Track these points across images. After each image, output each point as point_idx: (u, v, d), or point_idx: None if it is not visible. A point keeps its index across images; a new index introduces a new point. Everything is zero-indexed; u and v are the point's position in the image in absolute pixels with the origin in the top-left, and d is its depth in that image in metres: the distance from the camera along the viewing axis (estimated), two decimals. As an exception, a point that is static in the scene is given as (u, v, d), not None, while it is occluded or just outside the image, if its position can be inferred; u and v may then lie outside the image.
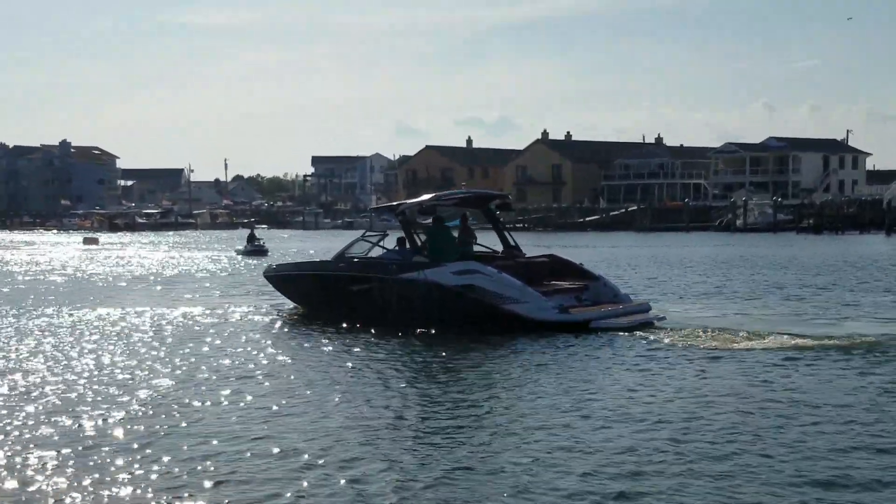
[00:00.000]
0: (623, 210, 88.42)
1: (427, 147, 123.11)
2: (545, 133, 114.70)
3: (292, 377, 11.92)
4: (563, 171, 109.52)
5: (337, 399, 10.54)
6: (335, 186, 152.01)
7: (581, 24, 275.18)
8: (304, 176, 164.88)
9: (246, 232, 53.58)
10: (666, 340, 14.06)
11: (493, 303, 15.55)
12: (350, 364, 12.83)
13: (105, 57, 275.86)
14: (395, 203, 20.19)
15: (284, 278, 19.70)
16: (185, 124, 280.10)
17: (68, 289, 26.10)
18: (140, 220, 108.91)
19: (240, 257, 43.15)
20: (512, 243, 18.45)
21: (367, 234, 19.46)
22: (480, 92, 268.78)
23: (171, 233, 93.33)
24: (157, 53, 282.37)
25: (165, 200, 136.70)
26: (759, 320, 16.49)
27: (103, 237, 78.23)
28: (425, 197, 18.53)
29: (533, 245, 55.65)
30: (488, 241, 18.91)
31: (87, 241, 68.94)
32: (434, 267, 16.26)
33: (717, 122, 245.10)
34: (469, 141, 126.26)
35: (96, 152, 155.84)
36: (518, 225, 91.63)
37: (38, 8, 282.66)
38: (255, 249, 45.21)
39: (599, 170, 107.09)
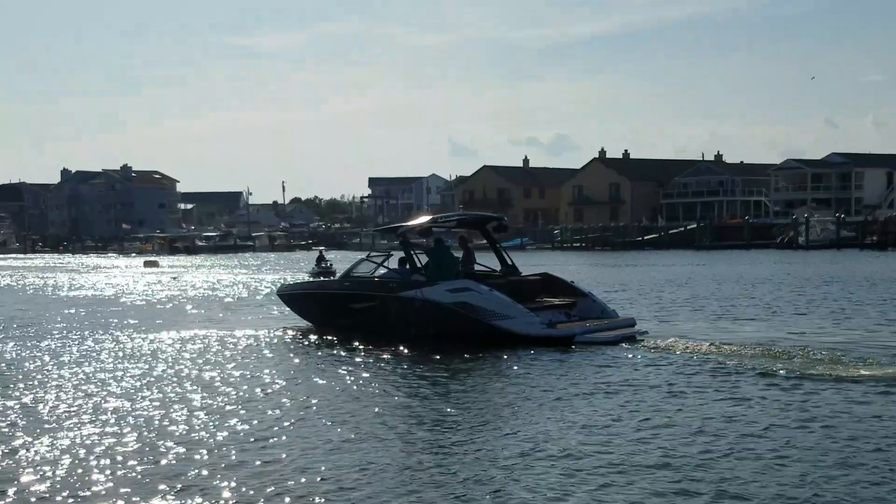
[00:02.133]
0: (682, 228, 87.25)
1: (484, 167, 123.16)
2: (602, 152, 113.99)
3: (278, 397, 11.97)
4: (622, 190, 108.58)
5: (352, 414, 10.74)
6: (392, 207, 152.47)
7: (637, 41, 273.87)
8: (362, 197, 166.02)
9: (311, 253, 53.82)
10: (644, 352, 14.82)
11: (485, 319, 16.45)
12: (360, 379, 13.28)
13: (163, 81, 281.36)
14: (395, 225, 21.68)
15: (295, 297, 20.98)
16: (244, 147, 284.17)
17: (142, 312, 26.23)
18: (199, 244, 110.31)
19: (311, 279, 43.35)
20: (509, 262, 19.36)
21: (372, 254, 20.59)
22: (536, 111, 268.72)
23: (230, 255, 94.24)
24: (214, 77, 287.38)
25: (224, 224, 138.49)
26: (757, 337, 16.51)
27: (164, 260, 79.24)
28: (424, 219, 19.86)
29: (590, 265, 55.60)
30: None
31: (147, 264, 69.85)
32: (430, 285, 17.24)
33: (777, 139, 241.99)
34: (526, 161, 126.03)
35: (157, 176, 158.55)
36: (576, 244, 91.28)
37: (98, 34, 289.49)
38: (323, 271, 45.58)
39: (658, 188, 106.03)
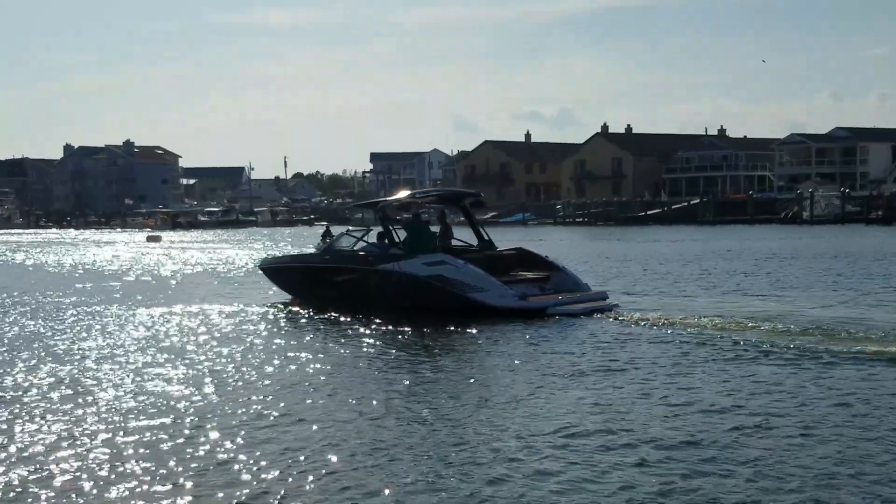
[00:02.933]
0: (685, 203, 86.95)
1: (486, 142, 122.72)
2: (605, 126, 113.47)
3: (258, 374, 11.85)
4: (624, 165, 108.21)
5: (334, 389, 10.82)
6: (394, 183, 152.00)
7: (640, 16, 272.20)
8: (363, 173, 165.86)
9: (314, 229, 53.48)
10: (614, 324, 15.35)
11: (460, 291, 16.88)
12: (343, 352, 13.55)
13: (166, 58, 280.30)
14: (374, 200, 22.25)
15: (277, 270, 21.35)
16: (246, 123, 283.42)
17: (144, 287, 26.20)
18: (202, 219, 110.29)
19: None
20: (486, 238, 19.76)
21: (351, 229, 21.01)
22: (539, 87, 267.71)
23: (233, 230, 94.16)
24: (216, 54, 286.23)
25: (226, 199, 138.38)
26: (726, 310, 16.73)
27: (166, 235, 79.26)
28: (402, 195, 20.52)
29: (588, 240, 55.46)
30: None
31: (150, 238, 69.98)
32: (408, 259, 17.72)
33: (781, 113, 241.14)
34: (528, 136, 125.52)
35: (159, 152, 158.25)
36: (578, 220, 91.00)
37: (99, 12, 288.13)
38: None
39: (661, 163, 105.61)
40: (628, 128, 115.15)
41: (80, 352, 13.68)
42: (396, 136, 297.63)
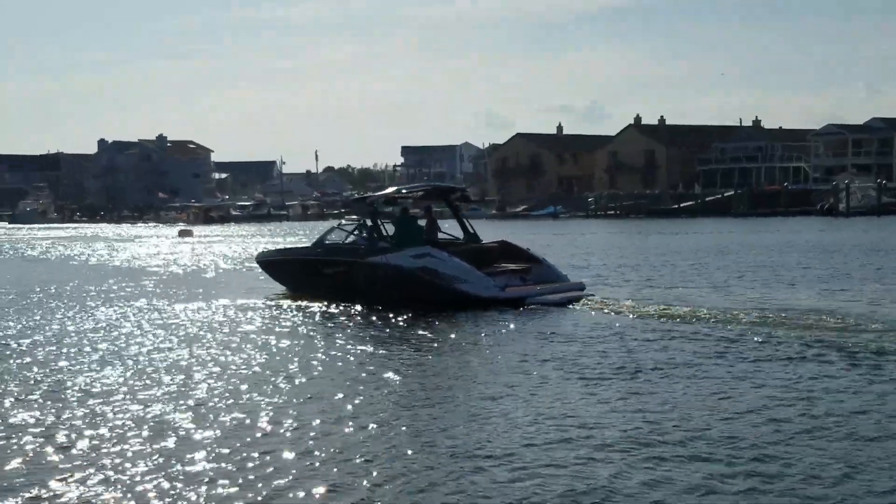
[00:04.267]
0: (719, 195, 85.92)
1: (517, 134, 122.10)
2: (637, 118, 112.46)
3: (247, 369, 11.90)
4: (657, 157, 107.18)
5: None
6: (425, 176, 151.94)
7: (672, 5, 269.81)
8: (394, 166, 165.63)
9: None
10: (589, 312, 16.31)
11: (444, 283, 17.64)
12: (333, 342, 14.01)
13: (196, 52, 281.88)
14: (364, 195, 23.83)
15: (271, 263, 22.10)
16: (277, 117, 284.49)
17: (174, 282, 26.13)
18: (234, 213, 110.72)
19: None
20: (471, 231, 20.69)
21: (343, 223, 22.31)
22: (569, 79, 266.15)
23: (264, 225, 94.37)
24: (246, 48, 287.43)
25: (258, 193, 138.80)
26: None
27: (198, 229, 79.53)
28: (389, 190, 22.04)
29: (620, 232, 54.91)
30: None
31: (182, 233, 70.24)
32: (395, 251, 18.53)
33: (817, 104, 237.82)
34: (559, 128, 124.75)
35: (191, 146, 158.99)
36: (610, 212, 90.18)
37: (131, 7, 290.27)
38: None
39: (694, 154, 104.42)
40: (661, 119, 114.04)
41: (119, 347, 13.66)
42: (427, 129, 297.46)
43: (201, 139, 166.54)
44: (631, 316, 15.64)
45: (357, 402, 9.71)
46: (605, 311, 16.34)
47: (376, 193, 22.04)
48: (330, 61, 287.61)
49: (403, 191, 21.87)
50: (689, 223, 65.91)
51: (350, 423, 8.79)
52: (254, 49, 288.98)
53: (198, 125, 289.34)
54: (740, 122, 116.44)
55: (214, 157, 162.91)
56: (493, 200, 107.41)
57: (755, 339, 13.02)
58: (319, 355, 12.72)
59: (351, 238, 20.12)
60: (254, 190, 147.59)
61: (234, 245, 50.06)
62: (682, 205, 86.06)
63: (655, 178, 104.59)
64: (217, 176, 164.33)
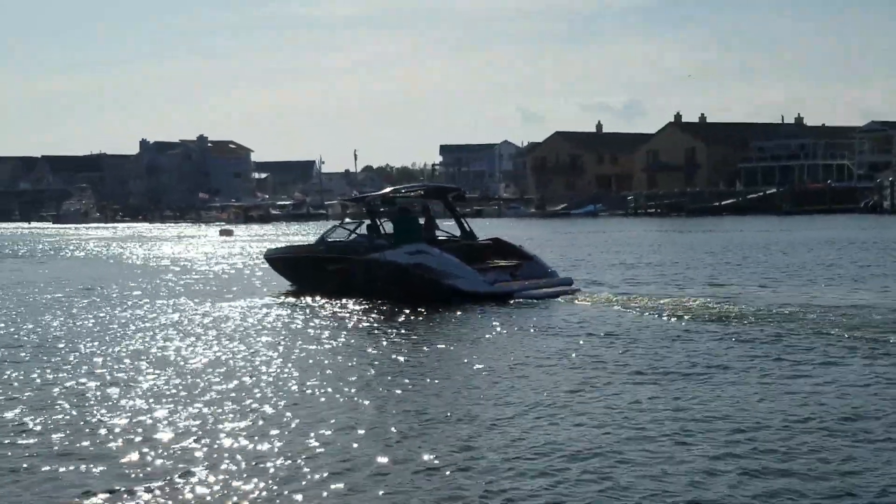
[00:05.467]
0: (761, 193, 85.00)
1: (556, 133, 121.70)
2: (678, 115, 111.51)
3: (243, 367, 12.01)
4: (698, 155, 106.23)
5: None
6: (463, 175, 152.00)
7: (712, 2, 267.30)
8: (433, 165, 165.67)
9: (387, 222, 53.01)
10: (576, 306, 17.05)
11: (437, 278, 18.45)
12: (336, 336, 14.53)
13: (235, 52, 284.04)
14: (363, 195, 24.93)
15: (278, 259, 23.01)
16: (316, 116, 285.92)
17: (215, 281, 26.32)
18: (274, 212, 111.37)
19: None
20: (468, 229, 21.54)
21: (345, 221, 23.57)
22: (607, 76, 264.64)
23: (304, 224, 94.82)
24: (285, 46, 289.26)
25: (297, 192, 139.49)
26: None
27: (238, 229, 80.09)
28: (386, 190, 23.12)
29: (659, 231, 54.52)
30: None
31: (223, 232, 70.73)
32: (392, 249, 19.36)
33: (861, 101, 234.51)
34: (599, 126, 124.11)
35: (232, 146, 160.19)
36: (650, 211, 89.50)
37: (170, 5, 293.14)
38: None
39: (736, 152, 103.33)
40: (702, 117, 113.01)
41: (161, 343, 13.78)
42: (466, 128, 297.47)
43: (242, 139, 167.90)
44: (619, 309, 16.42)
45: (356, 401, 9.78)
46: (592, 304, 17.12)
47: (374, 193, 23.14)
48: (370, 59, 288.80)
49: (402, 190, 22.91)
50: (736, 221, 65.31)
51: (352, 428, 8.67)
52: (294, 48, 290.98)
53: (238, 125, 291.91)
54: (782, 120, 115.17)
55: (255, 157, 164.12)
56: (532, 199, 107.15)
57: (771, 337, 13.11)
58: (334, 355, 12.78)
59: (352, 236, 21.00)
60: (293, 189, 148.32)
61: (274, 245, 50.24)
62: (723, 203, 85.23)
63: (695, 177, 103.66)
64: (257, 176, 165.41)
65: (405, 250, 19.03)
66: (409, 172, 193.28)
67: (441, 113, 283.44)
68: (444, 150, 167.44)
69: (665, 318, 15.04)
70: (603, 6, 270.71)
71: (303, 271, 21.69)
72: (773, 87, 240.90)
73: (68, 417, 9.28)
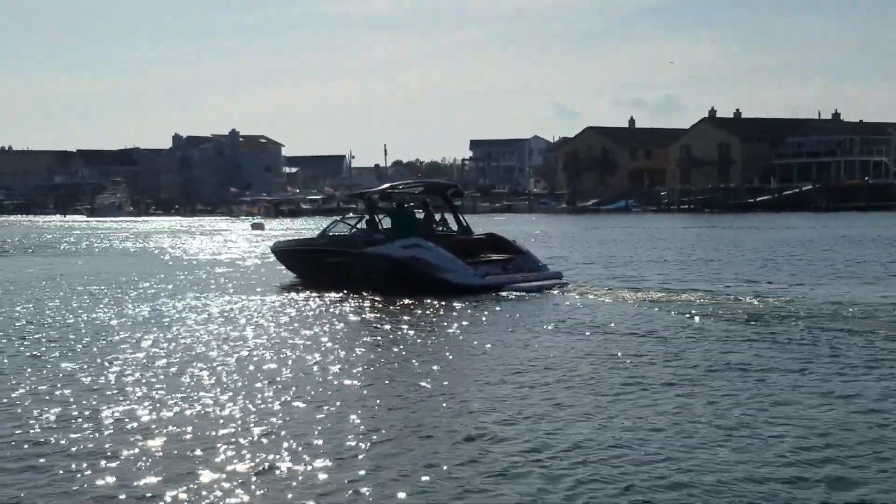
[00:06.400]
0: (797, 190, 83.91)
1: (588, 128, 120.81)
2: (712, 111, 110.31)
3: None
4: (732, 150, 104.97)
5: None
6: (493, 170, 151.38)
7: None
8: (463, 160, 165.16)
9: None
10: (563, 297, 18.14)
11: (430, 271, 19.25)
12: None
13: (268, 48, 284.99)
14: (361, 191, 26.03)
15: (283, 252, 24.05)
16: (346, 111, 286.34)
17: (247, 275, 26.20)
18: (304, 206, 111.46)
19: None
20: (465, 224, 22.29)
21: (346, 216, 24.42)
22: (641, 71, 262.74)
23: (334, 218, 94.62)
24: (316, 42, 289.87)
25: (327, 187, 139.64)
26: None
27: (269, 223, 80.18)
28: (384, 186, 23.90)
29: (695, 226, 53.89)
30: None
31: (254, 226, 70.79)
32: (388, 243, 20.27)
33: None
34: (632, 121, 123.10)
35: (263, 141, 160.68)
36: (683, 206, 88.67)
37: (202, 4, 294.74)
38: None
39: (771, 148, 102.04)
40: (737, 112, 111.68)
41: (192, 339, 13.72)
42: (497, 123, 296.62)
43: (273, 134, 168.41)
44: (609, 301, 17.39)
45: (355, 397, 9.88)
46: (580, 296, 18.14)
47: (372, 189, 24.06)
48: (402, 55, 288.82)
49: (400, 187, 23.91)
50: (770, 218, 64.47)
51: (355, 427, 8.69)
52: (324, 43, 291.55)
53: (269, 120, 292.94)
54: (819, 116, 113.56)
55: (285, 152, 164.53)
56: (563, 194, 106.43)
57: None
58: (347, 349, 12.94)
59: (352, 231, 21.92)
60: (323, 184, 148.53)
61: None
62: (758, 199, 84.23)
63: (730, 173, 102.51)
64: (288, 170, 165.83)
65: (400, 244, 19.96)
66: (438, 167, 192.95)
67: (472, 108, 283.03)
68: (475, 144, 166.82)
69: (682, 315, 15.19)
70: (641, 4, 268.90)
71: (305, 264, 22.68)
72: (809, 83, 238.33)
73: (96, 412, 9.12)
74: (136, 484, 7.00)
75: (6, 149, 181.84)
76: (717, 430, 8.13)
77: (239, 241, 49.69)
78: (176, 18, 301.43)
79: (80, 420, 8.91)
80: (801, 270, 23.16)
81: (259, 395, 9.81)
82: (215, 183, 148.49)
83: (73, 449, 7.94)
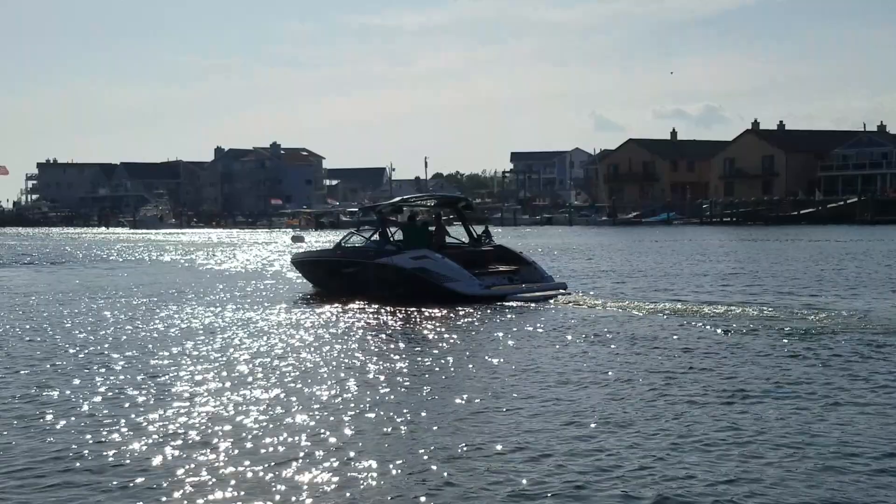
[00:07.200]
0: (842, 202, 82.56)
1: (630, 140, 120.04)
2: (756, 123, 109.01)
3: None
4: (776, 163, 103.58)
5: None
6: (534, 182, 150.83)
7: (791, 7, 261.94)
8: (503, 172, 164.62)
9: (457, 227, 52.74)
10: (564, 307, 18.63)
11: (437, 281, 19.96)
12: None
13: (309, 61, 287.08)
14: (374, 204, 27.95)
15: (301, 263, 24.87)
16: (387, 124, 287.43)
17: (285, 287, 26.12)
18: (344, 219, 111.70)
19: None
20: (475, 236, 23.05)
21: (361, 228, 26.16)
22: (682, 84, 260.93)
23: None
24: (356, 55, 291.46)
25: (367, 199, 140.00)
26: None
27: (309, 235, 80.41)
28: (395, 199, 24.69)
29: (738, 240, 53.11)
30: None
31: (294, 239, 70.97)
32: (399, 254, 20.91)
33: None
34: (674, 133, 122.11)
35: (304, 153, 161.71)
36: (726, 219, 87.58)
37: (242, 14, 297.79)
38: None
39: (815, 161, 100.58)
40: (780, 124, 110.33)
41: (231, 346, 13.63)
42: (537, 135, 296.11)
43: (314, 146, 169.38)
44: (604, 309, 18.00)
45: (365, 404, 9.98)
46: (583, 306, 18.68)
47: (384, 202, 25.16)
48: (440, 67, 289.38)
49: (411, 200, 24.87)
50: (814, 230, 63.44)
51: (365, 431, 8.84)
52: (364, 56, 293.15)
53: (310, 132, 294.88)
54: (864, 128, 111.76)
55: (326, 164, 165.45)
56: (604, 207, 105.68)
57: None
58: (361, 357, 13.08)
59: (366, 243, 22.65)
60: (363, 196, 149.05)
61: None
62: (802, 212, 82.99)
63: (773, 185, 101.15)
64: (328, 182, 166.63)
65: (410, 255, 20.64)
66: (478, 179, 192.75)
67: (513, 121, 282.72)
68: (515, 157, 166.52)
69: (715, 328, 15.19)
70: (683, 17, 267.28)
71: (322, 275, 23.48)
72: (854, 95, 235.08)
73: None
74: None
75: (52, 161, 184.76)
76: (767, 448, 7.92)
77: (278, 253, 49.76)
78: (219, 32, 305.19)
79: (129, 430, 8.94)
80: (859, 283, 22.78)
81: (311, 408, 9.80)
82: (256, 195, 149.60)
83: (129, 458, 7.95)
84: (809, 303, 18.50)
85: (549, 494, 6.84)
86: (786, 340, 13.63)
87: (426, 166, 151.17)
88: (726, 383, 10.63)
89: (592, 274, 27.96)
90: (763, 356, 12.39)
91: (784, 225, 76.49)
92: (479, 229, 23.68)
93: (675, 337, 14.22)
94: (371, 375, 11.57)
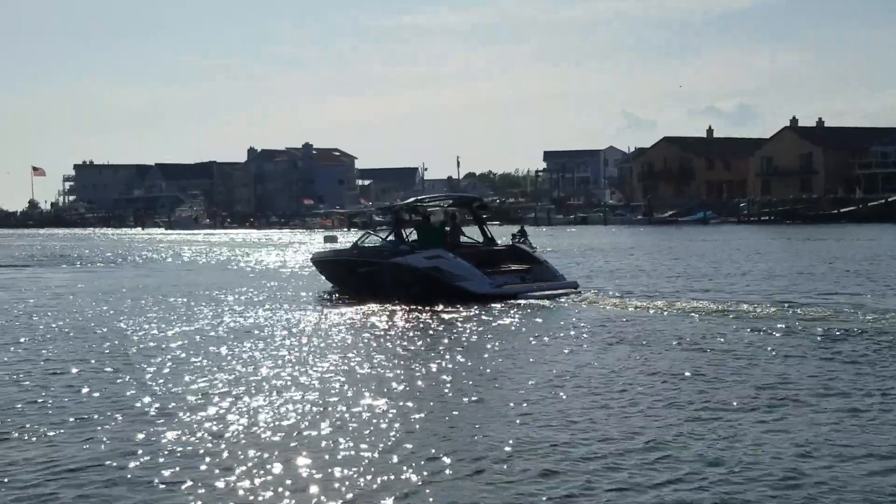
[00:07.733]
0: (883, 200, 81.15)
1: (664, 138, 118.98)
2: (794, 120, 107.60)
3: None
4: (815, 160, 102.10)
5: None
6: (568, 181, 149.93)
7: (822, 3, 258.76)
8: (536, 171, 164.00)
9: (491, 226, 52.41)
10: (575, 306, 18.87)
11: (449, 280, 20.26)
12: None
13: (342, 61, 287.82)
14: (389, 204, 26.74)
15: (320, 262, 25.52)
16: (420, 123, 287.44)
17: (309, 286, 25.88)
18: (376, 218, 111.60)
19: None
20: (489, 236, 23.52)
21: (377, 229, 26.75)
22: (716, 81, 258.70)
23: (405, 229, 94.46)
24: (390, 55, 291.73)
25: (400, 199, 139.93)
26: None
27: (342, 235, 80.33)
28: (410, 200, 25.46)
29: (779, 239, 52.26)
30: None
31: (327, 239, 70.79)
32: (413, 253, 21.25)
33: None
34: (710, 131, 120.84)
35: (336, 154, 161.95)
36: (763, 218, 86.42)
37: (275, 16, 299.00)
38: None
39: (855, 158, 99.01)
40: (819, 121, 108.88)
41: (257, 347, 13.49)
42: (571, 134, 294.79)
43: (346, 146, 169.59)
44: (616, 309, 18.09)
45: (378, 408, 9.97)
46: (593, 305, 18.85)
47: (399, 203, 25.47)
48: (473, 66, 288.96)
49: (425, 200, 25.01)
50: (854, 230, 62.31)
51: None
52: (397, 56, 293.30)
53: (343, 133, 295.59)
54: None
55: (359, 164, 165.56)
56: (639, 206, 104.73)
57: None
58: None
59: (382, 243, 23.18)
60: (396, 196, 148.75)
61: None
62: (842, 210, 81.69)
63: (812, 183, 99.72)
64: (361, 182, 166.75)
65: (424, 255, 20.99)
66: (511, 179, 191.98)
67: (546, 119, 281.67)
68: (548, 156, 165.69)
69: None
70: (715, 12, 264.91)
71: (340, 274, 23.95)
72: (892, 91, 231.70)
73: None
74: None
75: (88, 163, 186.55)
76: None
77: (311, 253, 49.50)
78: (252, 32, 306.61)
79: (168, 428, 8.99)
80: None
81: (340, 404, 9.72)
82: (289, 196, 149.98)
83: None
84: (861, 302, 17.94)
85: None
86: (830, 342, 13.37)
87: (458, 166, 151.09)
88: (771, 387, 10.43)
89: (665, 275, 27.27)
90: (815, 359, 11.97)
91: (824, 224, 75.27)
92: (514, 229, 24.32)
93: (701, 337, 14.13)
94: (382, 375, 11.64)
